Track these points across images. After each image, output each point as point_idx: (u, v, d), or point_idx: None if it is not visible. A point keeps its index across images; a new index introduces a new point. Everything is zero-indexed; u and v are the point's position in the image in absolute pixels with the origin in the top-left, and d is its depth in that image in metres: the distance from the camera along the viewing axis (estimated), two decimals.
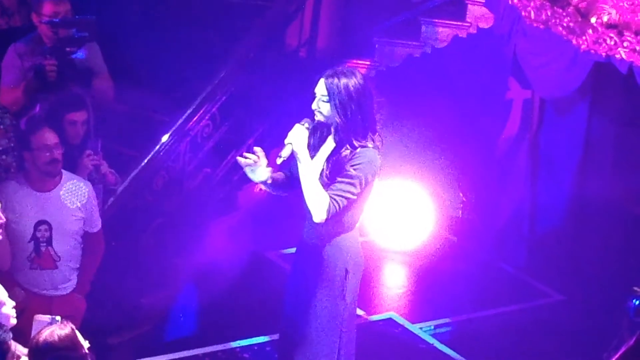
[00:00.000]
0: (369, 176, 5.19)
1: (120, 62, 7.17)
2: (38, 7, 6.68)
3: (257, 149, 5.34)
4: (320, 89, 5.21)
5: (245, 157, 5.34)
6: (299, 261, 5.50)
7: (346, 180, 5.13)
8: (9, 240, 5.87)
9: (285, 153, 5.18)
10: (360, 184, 5.16)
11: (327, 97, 5.17)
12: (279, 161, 5.22)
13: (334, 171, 5.19)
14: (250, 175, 5.38)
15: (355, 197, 5.17)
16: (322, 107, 5.20)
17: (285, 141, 5.18)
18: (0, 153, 6.24)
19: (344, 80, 5.17)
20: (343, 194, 5.12)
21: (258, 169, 5.33)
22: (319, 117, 5.23)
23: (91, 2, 7.17)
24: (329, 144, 5.30)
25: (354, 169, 5.14)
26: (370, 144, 5.20)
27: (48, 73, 6.57)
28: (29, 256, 6.01)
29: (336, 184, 5.15)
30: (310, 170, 5.15)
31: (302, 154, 5.15)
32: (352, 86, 5.17)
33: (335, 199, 5.11)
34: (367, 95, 5.22)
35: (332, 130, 5.26)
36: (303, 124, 5.20)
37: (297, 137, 5.16)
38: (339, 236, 5.32)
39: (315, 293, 5.33)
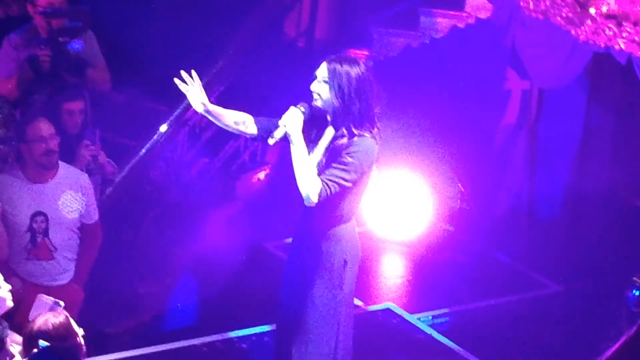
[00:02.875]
0: (365, 165, 5.18)
1: (117, 52, 7.17)
2: None
3: (193, 75, 5.24)
4: (322, 71, 5.20)
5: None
6: (296, 252, 5.49)
7: (340, 166, 5.13)
8: (6, 231, 5.87)
9: (278, 134, 5.17)
10: (355, 171, 5.14)
11: (328, 79, 5.17)
12: (271, 142, 5.20)
13: (330, 159, 5.18)
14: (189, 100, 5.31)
15: (349, 184, 5.16)
16: (321, 88, 5.20)
17: (280, 122, 5.18)
18: None
19: (346, 66, 5.17)
20: (336, 179, 5.11)
21: (191, 95, 5.25)
22: (316, 101, 5.22)
23: None
24: (327, 136, 5.29)
25: (350, 157, 5.13)
26: (367, 134, 5.19)
27: (42, 63, 6.59)
28: (26, 247, 6.02)
29: (330, 170, 5.14)
30: (302, 152, 5.14)
31: (296, 135, 5.14)
32: (354, 73, 5.17)
33: (327, 183, 5.10)
34: (367, 85, 5.21)
35: (329, 117, 5.25)
36: (299, 108, 5.20)
37: (292, 119, 5.15)
38: (336, 227, 5.31)
39: (313, 283, 5.32)
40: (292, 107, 5.19)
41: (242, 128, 5.39)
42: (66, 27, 6.63)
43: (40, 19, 6.64)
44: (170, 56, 7.41)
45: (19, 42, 6.73)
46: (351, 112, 5.16)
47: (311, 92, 5.23)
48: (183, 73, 5.24)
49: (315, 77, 5.22)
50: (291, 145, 5.15)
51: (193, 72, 5.24)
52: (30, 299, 5.49)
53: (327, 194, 5.10)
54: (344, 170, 5.12)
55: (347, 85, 5.15)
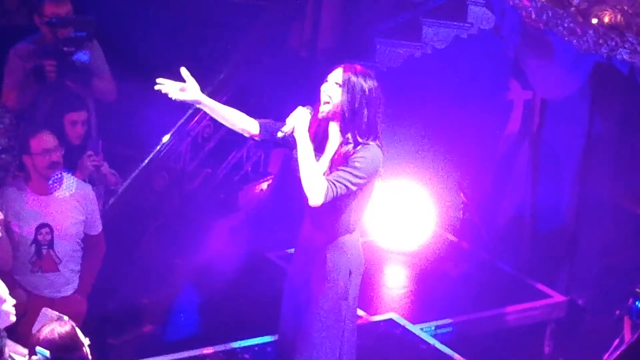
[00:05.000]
0: (370, 171, 5.20)
1: (121, 63, 7.17)
2: (39, 8, 6.70)
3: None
4: (337, 75, 5.24)
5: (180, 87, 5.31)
6: (299, 262, 5.49)
7: (348, 169, 5.15)
8: (11, 243, 5.87)
9: (286, 128, 5.21)
10: (361, 176, 5.15)
11: (342, 83, 5.19)
12: (280, 134, 5.24)
13: (335, 166, 5.20)
14: (178, 96, 5.32)
15: (354, 188, 5.16)
16: (333, 91, 5.22)
17: (287, 120, 5.22)
18: (0, 152, 6.25)
19: (361, 77, 5.23)
20: (342, 180, 5.13)
21: (184, 91, 5.30)
22: (326, 103, 5.23)
23: (93, 3, 7.16)
24: (332, 146, 5.30)
25: (357, 162, 5.15)
26: (372, 142, 5.22)
27: (47, 73, 6.58)
28: (31, 259, 6.02)
29: (336, 172, 5.16)
30: (308, 151, 5.16)
31: (302, 133, 5.17)
32: (368, 85, 5.22)
33: (334, 184, 5.11)
34: (377, 99, 5.26)
35: (336, 124, 5.25)
36: (307, 108, 5.24)
37: (300, 117, 5.20)
38: (341, 237, 5.32)
39: (317, 294, 5.33)
40: (299, 107, 5.23)
41: (243, 123, 5.44)
42: (72, 36, 6.64)
43: (46, 29, 6.64)
44: (174, 66, 7.43)
45: (25, 53, 6.73)
46: (358, 121, 5.18)
47: (320, 93, 5.25)
48: (160, 80, 5.30)
49: (327, 80, 5.26)
50: (297, 144, 5.17)
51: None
52: (34, 310, 5.50)
53: (333, 194, 5.10)
54: (350, 173, 5.13)
55: (360, 95, 5.19)
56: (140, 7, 8.05)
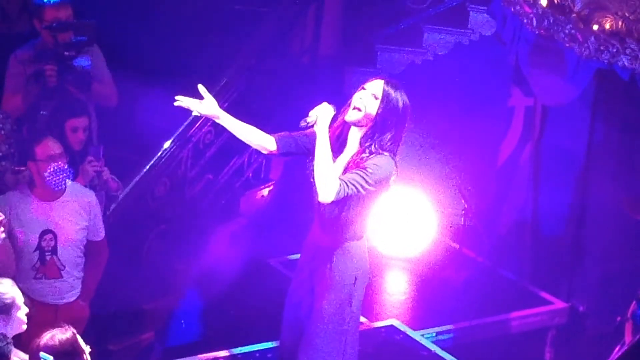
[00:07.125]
0: (382, 179, 5.20)
1: (122, 68, 7.18)
2: (39, 13, 6.69)
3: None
4: (376, 87, 5.22)
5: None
6: (305, 266, 5.49)
7: (361, 172, 5.14)
8: (14, 250, 5.86)
9: (309, 119, 5.18)
10: (372, 183, 5.15)
11: (381, 97, 5.18)
12: (302, 124, 5.22)
13: (348, 172, 5.19)
14: (199, 110, 5.36)
15: (363, 192, 5.16)
16: (369, 101, 5.21)
17: (310, 112, 5.19)
18: (0, 159, 6.25)
19: (399, 93, 5.24)
20: (355, 183, 5.12)
21: (202, 107, 5.34)
22: (354, 111, 5.22)
23: (94, 8, 7.17)
24: (349, 152, 5.30)
25: (370, 168, 5.15)
26: (387, 154, 5.23)
27: (48, 78, 6.57)
28: (34, 266, 6.01)
29: (349, 174, 5.16)
30: (326, 146, 5.13)
31: (323, 128, 5.15)
32: (402, 102, 5.23)
33: (346, 184, 5.10)
34: (407, 116, 5.27)
35: (358, 131, 5.24)
36: (331, 105, 5.22)
37: (323, 112, 5.17)
38: (348, 243, 5.33)
39: (322, 299, 5.34)
40: (324, 103, 5.20)
41: (259, 140, 5.43)
42: (72, 41, 6.64)
43: (47, 33, 6.64)
44: (175, 72, 7.45)
45: (25, 58, 6.73)
46: (384, 135, 5.19)
47: (351, 98, 5.24)
48: (178, 97, 5.32)
49: (364, 88, 5.24)
50: (317, 138, 5.13)
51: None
52: (37, 316, 5.49)
53: (344, 193, 5.10)
54: (363, 178, 5.13)
55: (394, 111, 5.20)
56: (142, 13, 8.06)
